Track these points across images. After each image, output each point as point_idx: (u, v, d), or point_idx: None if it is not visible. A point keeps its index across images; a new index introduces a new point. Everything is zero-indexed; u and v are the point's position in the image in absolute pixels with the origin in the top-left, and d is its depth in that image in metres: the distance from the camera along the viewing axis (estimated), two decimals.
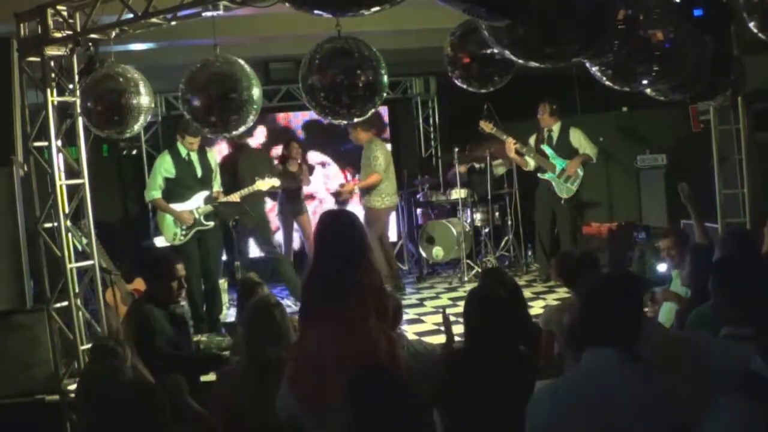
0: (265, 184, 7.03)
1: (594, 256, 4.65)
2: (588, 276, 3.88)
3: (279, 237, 8.72)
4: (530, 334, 3.94)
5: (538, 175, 7.82)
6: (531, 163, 7.82)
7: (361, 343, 3.03)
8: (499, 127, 7.80)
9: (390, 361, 3.07)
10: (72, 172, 5.21)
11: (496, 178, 8.70)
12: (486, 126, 7.84)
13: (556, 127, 7.76)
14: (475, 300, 3.41)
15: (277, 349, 3.31)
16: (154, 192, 6.54)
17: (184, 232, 6.52)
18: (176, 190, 6.55)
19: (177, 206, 6.52)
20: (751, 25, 4.31)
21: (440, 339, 5.39)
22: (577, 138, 7.71)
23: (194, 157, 6.60)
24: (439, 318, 6.62)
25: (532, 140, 7.85)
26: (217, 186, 6.78)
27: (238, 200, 6.78)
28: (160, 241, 7.35)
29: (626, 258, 6.89)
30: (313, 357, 3.06)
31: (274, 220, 8.72)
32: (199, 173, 6.61)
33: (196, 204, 6.56)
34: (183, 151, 6.56)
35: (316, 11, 3.25)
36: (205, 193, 6.62)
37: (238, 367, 3.53)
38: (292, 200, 8.30)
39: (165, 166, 6.52)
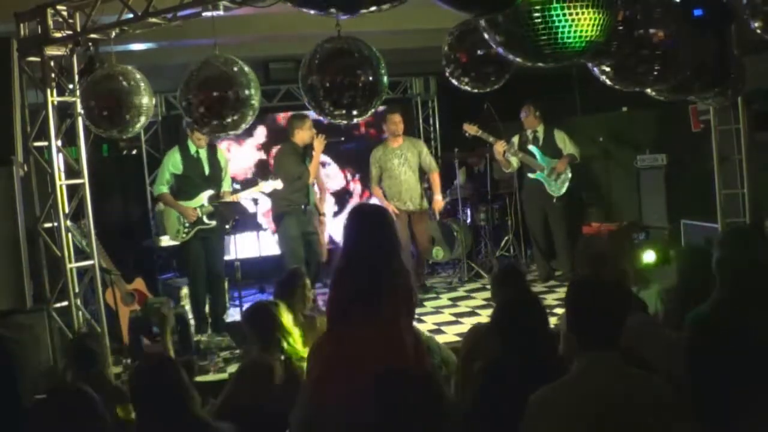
0: (267, 185, 6.93)
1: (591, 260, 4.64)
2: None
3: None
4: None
5: (528, 175, 7.83)
6: (514, 164, 7.83)
7: (392, 343, 2.99)
8: (485, 129, 7.74)
9: (417, 360, 3.05)
10: (72, 172, 5.22)
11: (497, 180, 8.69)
12: (470, 128, 7.77)
13: (540, 129, 7.81)
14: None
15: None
16: (162, 186, 6.51)
17: (186, 230, 6.49)
18: (183, 187, 6.50)
19: (182, 204, 6.49)
20: (755, 26, 4.29)
21: (440, 338, 5.39)
22: (562, 138, 7.77)
23: (203, 154, 6.53)
24: (439, 318, 6.65)
25: (515, 140, 7.86)
26: (227, 186, 6.71)
27: (239, 201, 6.74)
28: (164, 240, 7.34)
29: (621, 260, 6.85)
30: (343, 357, 3.02)
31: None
32: (207, 171, 6.55)
33: (200, 203, 6.51)
34: (192, 148, 6.50)
35: (316, 11, 3.25)
36: (210, 192, 6.57)
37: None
38: None
39: (173, 162, 6.47)
